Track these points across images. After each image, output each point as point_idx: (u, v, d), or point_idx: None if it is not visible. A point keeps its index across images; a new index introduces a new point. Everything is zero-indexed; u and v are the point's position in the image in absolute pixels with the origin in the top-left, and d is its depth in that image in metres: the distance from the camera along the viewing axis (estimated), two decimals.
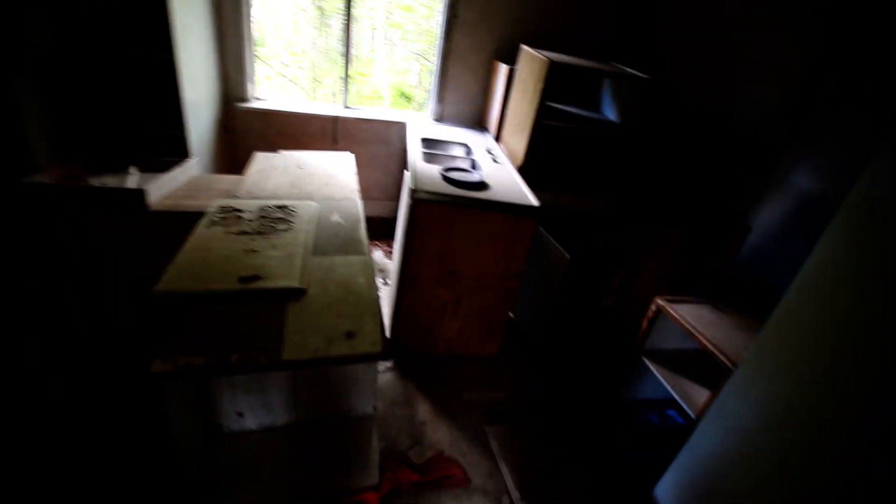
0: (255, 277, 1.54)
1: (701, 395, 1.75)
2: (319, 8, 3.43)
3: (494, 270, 2.26)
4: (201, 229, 1.79)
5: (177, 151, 2.70)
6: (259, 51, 3.36)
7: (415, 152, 2.64)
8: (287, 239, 1.80)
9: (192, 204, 2.24)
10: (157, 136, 2.69)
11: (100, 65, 2.51)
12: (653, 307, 1.90)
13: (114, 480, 1.60)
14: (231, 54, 3.19)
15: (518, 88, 2.94)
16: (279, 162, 2.59)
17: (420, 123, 3.42)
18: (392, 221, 3.80)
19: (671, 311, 1.81)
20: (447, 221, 2.12)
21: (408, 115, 3.71)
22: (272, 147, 3.39)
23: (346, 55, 3.37)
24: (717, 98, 2.55)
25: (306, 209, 2.05)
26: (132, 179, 2.39)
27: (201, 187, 2.45)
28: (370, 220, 3.84)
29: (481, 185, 2.27)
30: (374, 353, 1.32)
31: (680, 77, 2.83)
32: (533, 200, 2.20)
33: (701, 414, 1.55)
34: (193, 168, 2.58)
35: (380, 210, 3.93)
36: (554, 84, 2.57)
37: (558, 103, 3.10)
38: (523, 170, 2.67)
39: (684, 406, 1.71)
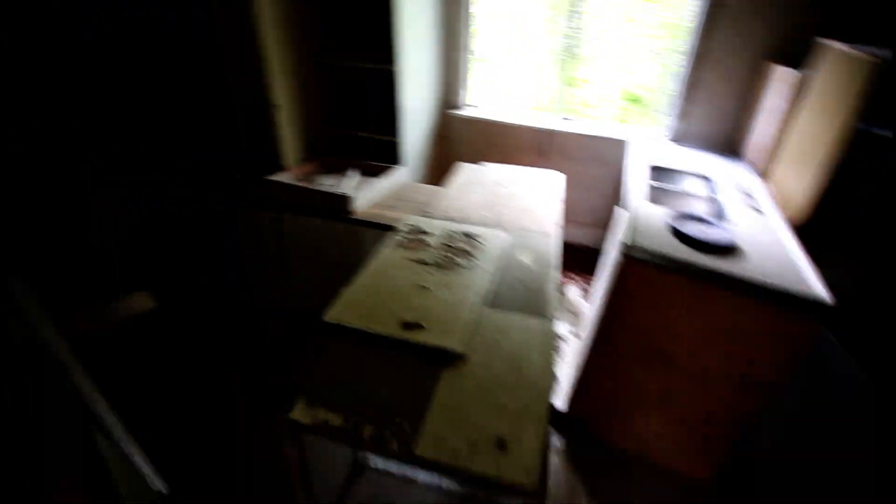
0: (418, 326, 1.36)
1: None
2: (550, 6, 3.11)
3: (731, 370, 1.59)
4: (386, 251, 1.73)
5: (390, 158, 2.79)
6: (478, 54, 3.26)
7: (636, 187, 2.08)
8: (463, 279, 1.57)
9: (389, 216, 2.24)
10: (376, 141, 2.83)
11: (338, 76, 2.76)
12: None
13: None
14: (451, 62, 3.16)
15: (812, 103, 2.06)
16: (479, 177, 2.40)
17: (648, 143, 2.79)
18: (597, 252, 3.29)
19: None
20: (668, 293, 1.55)
21: (634, 131, 3.10)
22: (480, 157, 3.27)
23: (569, 58, 2.99)
24: None
25: (495, 242, 1.79)
26: (348, 183, 2.54)
27: (403, 197, 2.45)
28: (571, 248, 3.41)
29: (729, 250, 1.61)
30: (522, 488, 0.96)
31: None
32: (820, 291, 1.42)
33: None
34: (402, 176, 2.61)
35: (584, 237, 3.45)
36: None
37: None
38: (806, 229, 1.84)
39: None
